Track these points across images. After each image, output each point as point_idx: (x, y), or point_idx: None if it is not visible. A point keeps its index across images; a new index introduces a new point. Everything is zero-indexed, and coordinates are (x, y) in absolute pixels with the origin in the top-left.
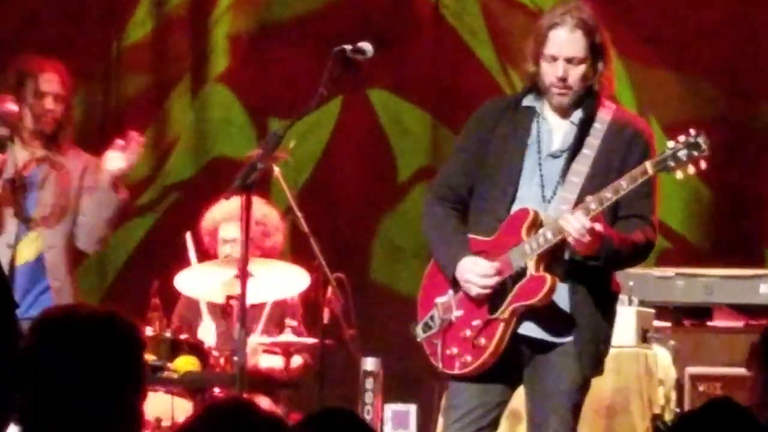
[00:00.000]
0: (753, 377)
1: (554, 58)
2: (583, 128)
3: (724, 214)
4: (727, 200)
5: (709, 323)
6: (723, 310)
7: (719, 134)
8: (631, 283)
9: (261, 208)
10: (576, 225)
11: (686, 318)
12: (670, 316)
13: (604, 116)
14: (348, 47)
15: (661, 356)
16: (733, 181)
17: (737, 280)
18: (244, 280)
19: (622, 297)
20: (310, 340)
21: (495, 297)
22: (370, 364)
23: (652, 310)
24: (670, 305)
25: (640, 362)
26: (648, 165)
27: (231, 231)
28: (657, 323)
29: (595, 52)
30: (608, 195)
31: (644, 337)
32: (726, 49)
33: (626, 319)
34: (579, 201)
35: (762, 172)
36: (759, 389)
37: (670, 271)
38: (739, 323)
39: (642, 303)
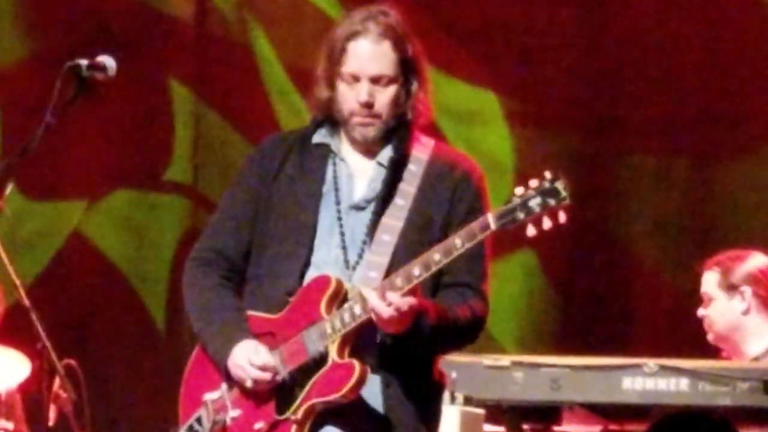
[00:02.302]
0: None
1: (355, 78)
2: (394, 171)
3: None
4: (582, 265)
5: (556, 428)
6: (575, 411)
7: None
8: (453, 374)
9: None
10: (377, 303)
11: (527, 421)
12: (505, 418)
13: (420, 155)
14: (83, 62)
15: None
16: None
17: (593, 371)
18: None
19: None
20: None
21: (285, 392)
22: None
23: (482, 411)
24: (505, 404)
25: None
26: (491, 218)
27: None
28: (488, 428)
29: (407, 69)
30: (437, 257)
31: None
32: (580, 82)
33: (448, 422)
34: (393, 265)
35: (623, 226)
36: None
37: (504, 360)
38: (596, 428)
39: (468, 401)
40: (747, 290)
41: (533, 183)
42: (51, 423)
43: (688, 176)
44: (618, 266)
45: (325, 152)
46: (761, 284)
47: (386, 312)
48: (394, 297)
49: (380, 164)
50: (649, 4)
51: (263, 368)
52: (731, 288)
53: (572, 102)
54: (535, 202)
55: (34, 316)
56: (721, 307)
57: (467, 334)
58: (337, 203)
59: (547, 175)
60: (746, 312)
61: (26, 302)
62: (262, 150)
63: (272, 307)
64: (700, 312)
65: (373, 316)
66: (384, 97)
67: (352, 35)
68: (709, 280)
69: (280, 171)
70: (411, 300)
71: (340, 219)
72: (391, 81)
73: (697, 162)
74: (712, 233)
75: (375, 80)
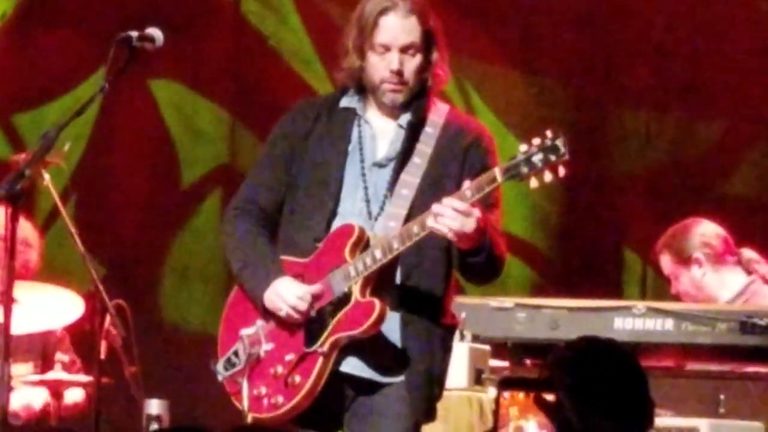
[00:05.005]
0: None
1: (387, 48)
2: (413, 133)
3: (573, 234)
4: (577, 218)
5: None
6: None
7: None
8: (463, 315)
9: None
10: (448, 212)
11: (528, 357)
12: (508, 354)
13: (436, 119)
14: (134, 34)
15: None
16: (583, 196)
17: (587, 312)
18: (8, 307)
19: None
20: (85, 378)
21: (313, 327)
22: (155, 406)
23: (488, 347)
24: (508, 341)
25: (473, 408)
26: (497, 172)
27: None
28: (493, 362)
29: (429, 41)
30: None
31: (478, 378)
32: (575, 51)
33: (457, 358)
34: (410, 216)
35: (615, 184)
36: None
37: (508, 302)
38: None
39: (476, 338)
40: (700, 255)
41: (536, 141)
42: (102, 356)
43: (674, 136)
44: (611, 218)
45: (351, 115)
46: (707, 245)
47: (465, 210)
48: (456, 203)
49: (400, 126)
50: None
51: (300, 297)
52: (687, 260)
53: (571, 72)
54: (537, 158)
55: (87, 261)
56: (686, 280)
57: (499, 266)
58: (362, 161)
59: (548, 133)
60: (705, 273)
61: (81, 248)
62: (295, 112)
63: (302, 252)
64: (673, 291)
65: (447, 233)
66: (411, 65)
67: (383, 11)
68: (666, 263)
69: (310, 131)
70: (476, 210)
71: (363, 175)
72: (417, 50)
73: (682, 123)
74: (697, 188)
75: (404, 50)
